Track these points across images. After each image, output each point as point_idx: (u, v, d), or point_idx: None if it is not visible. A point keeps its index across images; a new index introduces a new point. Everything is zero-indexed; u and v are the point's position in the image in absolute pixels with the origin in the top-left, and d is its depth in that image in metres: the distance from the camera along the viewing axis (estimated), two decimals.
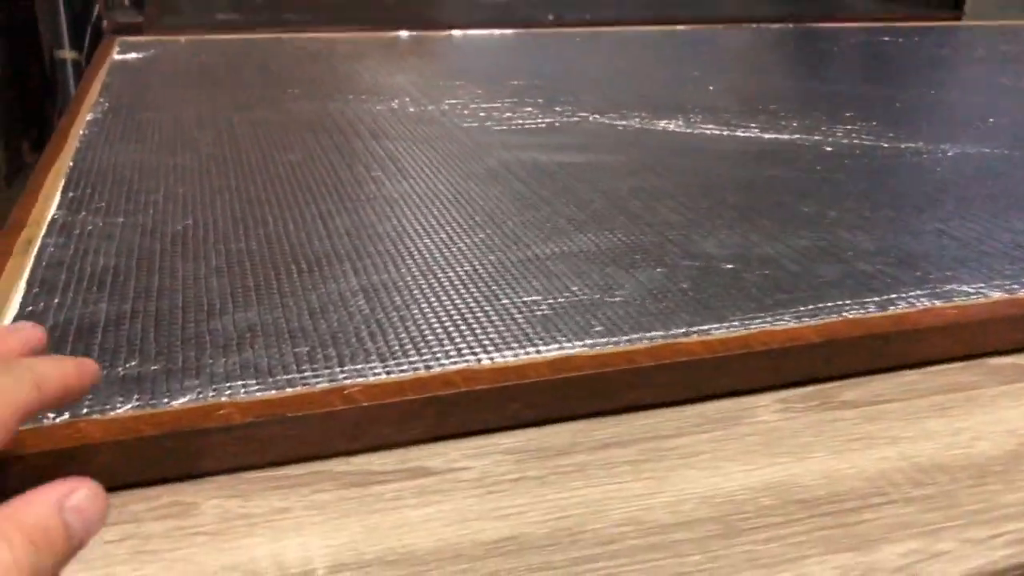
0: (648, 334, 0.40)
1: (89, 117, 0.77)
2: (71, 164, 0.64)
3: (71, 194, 0.58)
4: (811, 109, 0.86)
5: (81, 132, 0.73)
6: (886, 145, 0.74)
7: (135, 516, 0.31)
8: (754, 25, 1.38)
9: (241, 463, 0.33)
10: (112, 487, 0.32)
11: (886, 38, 1.31)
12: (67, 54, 3.22)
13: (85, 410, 0.34)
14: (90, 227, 0.52)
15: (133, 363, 0.37)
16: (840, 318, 0.42)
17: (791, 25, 1.40)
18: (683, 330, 0.40)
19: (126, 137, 0.72)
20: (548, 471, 0.34)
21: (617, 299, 0.44)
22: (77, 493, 0.22)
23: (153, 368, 0.37)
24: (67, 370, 0.28)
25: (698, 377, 0.38)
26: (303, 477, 0.33)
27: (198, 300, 0.43)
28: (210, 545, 0.30)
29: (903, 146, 0.74)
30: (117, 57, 1.05)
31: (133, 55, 1.07)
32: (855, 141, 0.74)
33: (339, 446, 0.34)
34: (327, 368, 0.37)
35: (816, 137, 0.75)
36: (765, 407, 0.39)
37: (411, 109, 0.83)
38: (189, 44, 1.17)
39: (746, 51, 1.22)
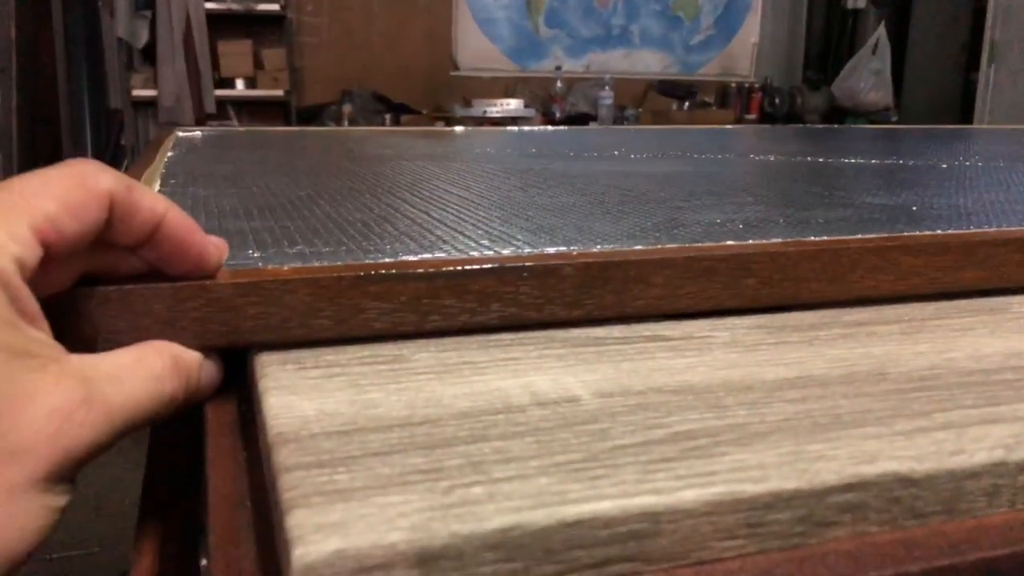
0: (870, 235, 0.35)
1: (170, 155, 0.75)
2: (163, 170, 0.61)
3: (172, 181, 0.54)
4: (887, 151, 0.84)
5: (164, 160, 0.70)
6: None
7: (336, 363, 0.26)
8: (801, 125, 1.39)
9: (450, 323, 0.28)
10: (300, 340, 0.26)
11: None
12: None
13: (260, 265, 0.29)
14: (204, 193, 0.48)
15: (299, 247, 0.33)
16: None
17: (831, 124, 1.42)
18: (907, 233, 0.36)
19: (214, 160, 0.69)
20: (809, 339, 0.29)
21: (815, 222, 0.39)
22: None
23: (326, 250, 0.32)
24: (173, 209, 0.25)
25: (948, 262, 0.33)
26: (523, 339, 0.28)
27: (352, 222, 0.39)
28: (438, 380, 0.25)
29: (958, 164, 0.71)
30: (182, 135, 1.05)
31: (198, 133, 1.06)
32: (928, 163, 0.72)
33: (557, 312, 0.29)
34: (533, 249, 0.32)
35: (927, 162, 0.73)
36: None
37: (505, 151, 0.81)
38: (247, 132, 1.17)
39: (793, 137, 1.22)
